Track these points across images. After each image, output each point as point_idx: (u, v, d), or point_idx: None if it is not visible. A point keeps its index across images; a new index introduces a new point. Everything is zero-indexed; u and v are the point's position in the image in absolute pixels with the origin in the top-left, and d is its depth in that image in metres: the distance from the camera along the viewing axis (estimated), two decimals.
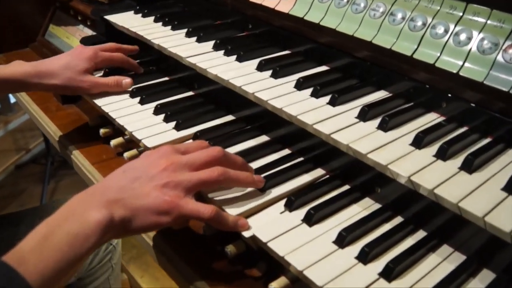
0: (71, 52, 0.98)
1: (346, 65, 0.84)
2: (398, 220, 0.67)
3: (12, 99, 2.93)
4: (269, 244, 0.61)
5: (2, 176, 2.64)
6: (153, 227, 0.63)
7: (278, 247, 0.61)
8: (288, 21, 0.91)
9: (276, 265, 0.64)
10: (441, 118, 0.73)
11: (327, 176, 0.75)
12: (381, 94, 0.79)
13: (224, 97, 0.91)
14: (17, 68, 0.92)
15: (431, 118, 0.73)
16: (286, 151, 0.81)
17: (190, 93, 0.99)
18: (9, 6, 1.49)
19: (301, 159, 0.78)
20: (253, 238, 0.64)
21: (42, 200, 2.46)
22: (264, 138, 0.84)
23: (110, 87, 0.97)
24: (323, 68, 0.86)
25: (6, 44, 1.47)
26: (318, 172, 0.76)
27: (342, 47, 0.84)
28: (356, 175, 0.72)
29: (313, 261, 0.59)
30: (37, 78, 0.91)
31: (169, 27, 1.04)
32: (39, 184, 2.58)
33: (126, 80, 0.98)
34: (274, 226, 0.65)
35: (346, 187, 0.73)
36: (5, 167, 2.66)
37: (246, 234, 0.64)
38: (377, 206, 0.70)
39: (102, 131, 0.99)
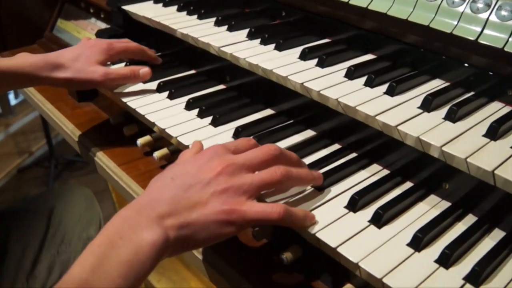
0: (82, 44, 0.90)
1: (395, 52, 0.78)
2: (471, 218, 0.61)
3: (12, 101, 2.84)
4: (339, 250, 0.55)
5: (4, 180, 2.56)
6: (214, 240, 0.56)
7: (350, 253, 0.55)
8: (327, 7, 0.85)
9: (339, 271, 0.59)
10: (508, 107, 0.67)
11: (386, 171, 0.69)
12: (437, 83, 0.73)
13: (260, 89, 0.85)
14: (25, 60, 0.84)
15: (497, 107, 0.67)
16: (336, 146, 0.74)
17: (222, 86, 0.92)
18: (14, 1, 1.42)
19: (354, 154, 0.72)
20: (318, 241, 0.58)
21: None
22: (310, 133, 0.77)
23: (126, 78, 0.88)
24: (370, 56, 0.80)
25: (11, 40, 1.40)
26: (375, 168, 0.70)
27: (389, 33, 0.78)
28: (419, 170, 0.66)
29: (391, 267, 0.53)
30: (46, 71, 0.83)
31: (195, 16, 0.97)
32: (43, 187, 2.51)
33: (144, 69, 0.89)
34: (340, 228, 0.58)
35: (409, 183, 0.67)
36: (7, 171, 2.57)
37: (312, 230, 0.57)
38: (445, 203, 0.64)
39: (126, 129, 0.92)
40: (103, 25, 1.22)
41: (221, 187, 0.55)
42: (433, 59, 0.73)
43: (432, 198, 0.65)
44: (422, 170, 0.66)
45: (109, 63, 0.94)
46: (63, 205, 1.06)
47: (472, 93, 0.70)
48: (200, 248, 0.67)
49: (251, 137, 0.72)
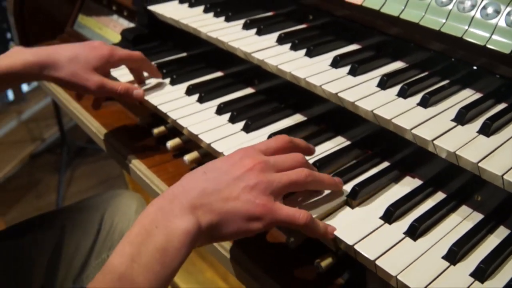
0: (85, 45, 0.88)
1: (426, 61, 0.79)
2: (503, 231, 0.63)
3: (24, 88, 2.85)
4: (378, 263, 0.57)
5: (18, 167, 2.59)
6: (242, 234, 0.59)
7: (387, 265, 0.57)
8: (356, 12, 0.85)
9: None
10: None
11: (418, 182, 0.70)
12: (468, 93, 0.74)
13: (289, 93, 0.86)
14: (16, 58, 0.81)
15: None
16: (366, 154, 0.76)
17: (250, 90, 0.94)
18: None
19: (386, 163, 0.73)
20: (350, 249, 0.60)
21: (59, 191, 2.41)
22: (340, 140, 0.79)
23: (118, 93, 0.87)
24: (400, 64, 0.81)
25: (32, 36, 1.41)
26: (407, 179, 0.71)
27: (422, 42, 0.78)
28: (452, 181, 0.68)
29: (429, 281, 0.55)
30: (38, 69, 0.82)
31: (222, 18, 0.98)
32: (55, 174, 2.53)
33: (138, 91, 0.89)
34: (377, 241, 0.60)
35: (440, 194, 0.68)
36: (20, 158, 2.60)
37: (350, 241, 0.60)
38: (476, 214, 0.65)
39: (155, 131, 0.93)
40: (125, 23, 1.22)
41: (252, 182, 0.58)
42: (465, 68, 0.74)
43: (464, 210, 0.66)
44: (454, 182, 0.68)
45: None
46: (114, 209, 1.07)
47: (506, 105, 0.71)
48: (227, 240, 0.70)
49: None
